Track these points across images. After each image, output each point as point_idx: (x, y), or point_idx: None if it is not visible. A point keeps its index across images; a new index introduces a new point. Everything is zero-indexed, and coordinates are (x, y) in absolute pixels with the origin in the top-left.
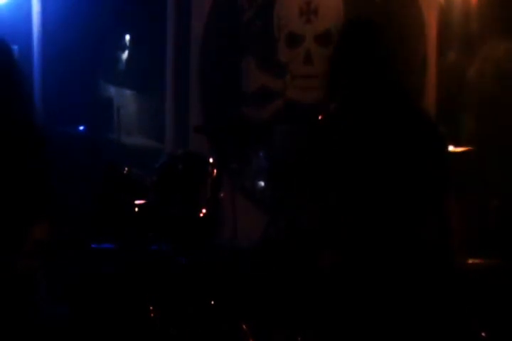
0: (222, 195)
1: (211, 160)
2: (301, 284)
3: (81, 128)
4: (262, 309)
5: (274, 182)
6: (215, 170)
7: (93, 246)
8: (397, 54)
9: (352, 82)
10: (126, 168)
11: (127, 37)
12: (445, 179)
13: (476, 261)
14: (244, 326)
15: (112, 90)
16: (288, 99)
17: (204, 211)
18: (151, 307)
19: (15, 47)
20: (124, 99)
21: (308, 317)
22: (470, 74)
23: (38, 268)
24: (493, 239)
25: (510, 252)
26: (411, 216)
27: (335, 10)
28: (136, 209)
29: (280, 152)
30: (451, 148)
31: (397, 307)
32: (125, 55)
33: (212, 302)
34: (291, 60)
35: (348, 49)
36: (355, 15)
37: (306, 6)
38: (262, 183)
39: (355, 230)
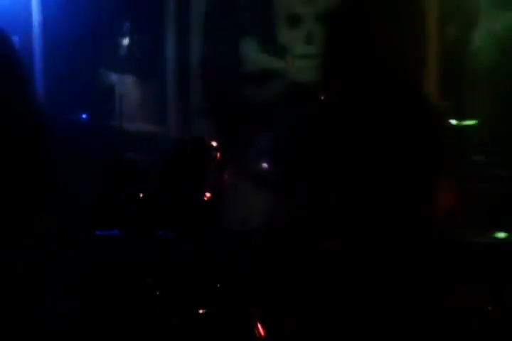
0: (226, 178)
1: (215, 143)
2: (304, 269)
3: (83, 116)
4: (271, 294)
5: (276, 162)
6: (218, 154)
7: (98, 233)
8: (398, 28)
9: (351, 61)
10: (129, 154)
11: (127, 23)
12: (442, 157)
13: (483, 232)
14: (252, 311)
15: (114, 77)
16: (289, 80)
17: (208, 195)
18: (157, 293)
19: (15, 38)
20: (126, 85)
21: (313, 303)
22: (472, 46)
23: (43, 258)
24: (496, 211)
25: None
26: (410, 195)
27: None
28: (141, 195)
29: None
30: (454, 121)
31: (399, 289)
32: (126, 41)
33: (219, 287)
34: (292, 40)
35: (346, 26)
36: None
37: None
38: (266, 165)
39: (355, 212)
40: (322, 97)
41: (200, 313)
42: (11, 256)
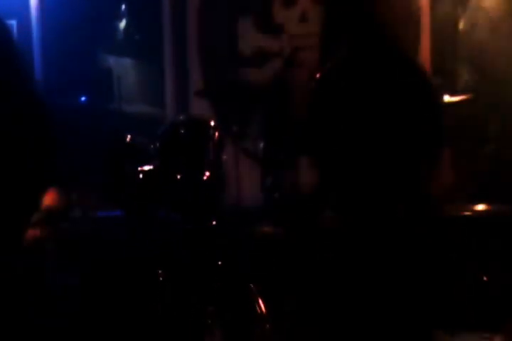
0: (224, 157)
1: (212, 123)
2: (304, 246)
3: (82, 98)
4: (271, 270)
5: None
6: (216, 133)
7: (100, 213)
8: (391, 10)
9: (347, 39)
10: (129, 136)
11: (124, 6)
12: (440, 131)
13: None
14: (252, 286)
15: (112, 60)
16: (285, 59)
17: (208, 174)
18: (160, 272)
19: (13, 22)
20: (124, 68)
21: (314, 275)
22: (462, 24)
23: (48, 236)
24: (488, 183)
25: (505, 195)
26: (408, 168)
27: None
28: (141, 175)
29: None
30: (446, 97)
31: (397, 264)
32: (123, 24)
33: (221, 264)
34: (287, 20)
35: (341, 7)
36: None
37: None
38: (262, 144)
39: (353, 187)
40: (318, 76)
41: (202, 290)
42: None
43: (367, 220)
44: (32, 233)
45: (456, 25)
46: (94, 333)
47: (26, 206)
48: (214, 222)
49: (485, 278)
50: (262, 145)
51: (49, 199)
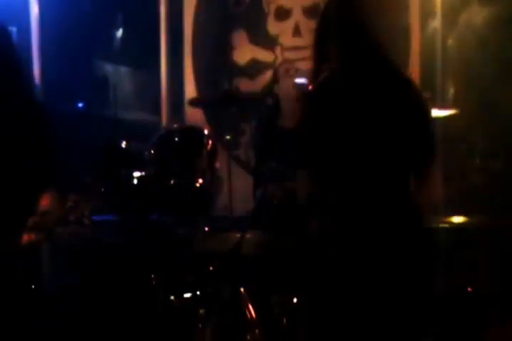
0: (217, 165)
1: (206, 132)
2: (293, 250)
3: (80, 105)
4: (260, 274)
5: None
6: (210, 142)
7: (94, 217)
8: (381, 24)
9: (339, 53)
10: (124, 142)
11: (121, 16)
12: (431, 144)
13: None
14: (242, 290)
15: (109, 68)
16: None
17: (200, 181)
18: (153, 275)
19: (13, 29)
20: (120, 76)
21: (301, 281)
22: (451, 41)
23: (44, 240)
24: (475, 196)
25: (493, 208)
26: (399, 180)
27: None
28: (135, 181)
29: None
30: (435, 111)
31: (383, 268)
32: (120, 33)
33: (212, 269)
34: (281, 33)
35: (333, 22)
36: None
37: None
38: (254, 152)
39: (343, 195)
40: (310, 86)
41: (194, 293)
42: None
43: (359, 227)
44: (28, 237)
45: (445, 41)
46: (90, 333)
47: (23, 208)
48: (206, 228)
49: (469, 289)
50: (253, 154)
51: (45, 202)
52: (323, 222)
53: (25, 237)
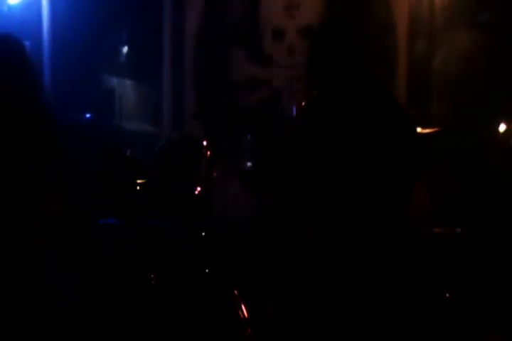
0: (215, 174)
1: (205, 143)
2: (286, 256)
3: (87, 115)
4: (253, 277)
5: (261, 162)
6: (208, 152)
7: (101, 221)
8: (371, 46)
9: (330, 72)
10: (128, 151)
11: (127, 33)
12: (417, 157)
13: (442, 229)
14: (236, 292)
15: (114, 81)
16: (273, 88)
17: (199, 189)
18: (152, 276)
19: (27, 43)
20: (125, 88)
21: (292, 285)
22: (436, 62)
23: (48, 244)
24: (457, 207)
25: (472, 220)
26: (386, 192)
27: (315, 6)
28: (138, 187)
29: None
30: (419, 129)
31: (372, 274)
32: (125, 49)
33: (208, 271)
34: (276, 52)
35: (325, 44)
36: (331, 14)
37: (289, 3)
38: (249, 163)
39: (335, 207)
40: (302, 103)
41: (190, 295)
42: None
43: (350, 234)
44: (34, 239)
45: (430, 61)
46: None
47: (29, 212)
48: (203, 232)
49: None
50: (248, 164)
51: (50, 207)
52: (317, 230)
53: (32, 239)
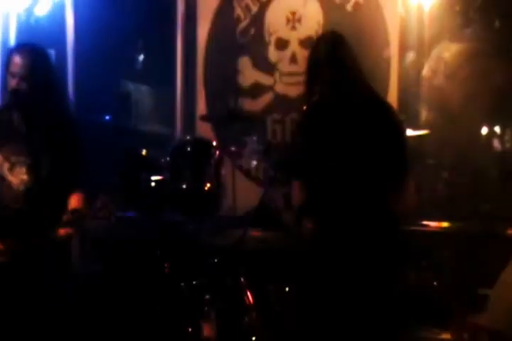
0: (223, 172)
1: (214, 143)
2: (288, 245)
3: (106, 117)
4: (258, 266)
5: (266, 162)
6: (217, 152)
7: (118, 214)
8: (364, 56)
9: (327, 80)
10: (143, 150)
11: (143, 42)
12: (405, 159)
13: (430, 223)
14: (242, 280)
15: (131, 86)
16: (277, 93)
17: (208, 185)
18: (166, 265)
19: (52, 51)
20: (141, 93)
21: (293, 273)
22: (425, 72)
23: (74, 234)
24: (443, 204)
25: (456, 215)
26: (379, 189)
27: (315, 19)
28: (153, 184)
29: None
30: (409, 132)
31: (363, 264)
32: (141, 57)
33: (216, 261)
34: (280, 60)
35: (322, 56)
36: (327, 29)
37: (292, 16)
38: (255, 162)
39: (331, 202)
40: (304, 108)
41: (200, 281)
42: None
43: (343, 229)
44: (62, 230)
45: (419, 71)
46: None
47: (58, 206)
48: (212, 225)
49: (434, 283)
50: (253, 163)
51: (75, 202)
52: (314, 223)
53: (60, 231)
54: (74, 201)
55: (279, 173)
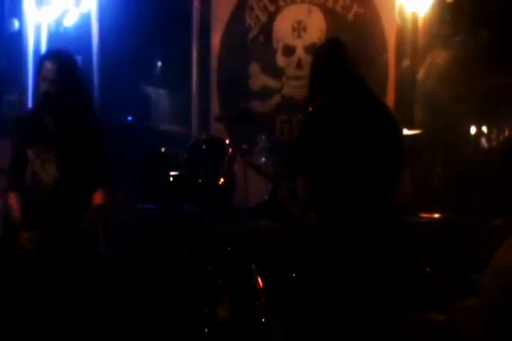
0: (235, 168)
1: (227, 142)
2: (295, 235)
3: (129, 118)
4: (267, 254)
5: (274, 158)
6: (230, 149)
7: (140, 206)
8: (364, 61)
9: (330, 84)
10: (163, 148)
11: (161, 50)
12: (402, 155)
13: (423, 214)
14: (253, 266)
15: (150, 89)
16: (284, 96)
17: (222, 180)
18: (184, 252)
19: (79, 58)
20: (160, 96)
21: (299, 260)
22: (419, 76)
23: (99, 224)
24: (436, 197)
25: (449, 207)
26: (380, 182)
27: (319, 27)
28: (171, 179)
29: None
30: (405, 131)
31: (365, 253)
32: (160, 63)
33: (230, 248)
34: (287, 66)
35: (325, 61)
36: (329, 37)
37: (298, 25)
38: (264, 159)
39: (334, 196)
40: (310, 109)
41: (214, 268)
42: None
43: (347, 225)
44: (88, 220)
45: (414, 76)
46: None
47: (85, 199)
48: (226, 216)
49: (428, 269)
50: (263, 160)
51: (100, 195)
52: (319, 214)
53: (86, 221)
54: (99, 194)
55: (286, 169)
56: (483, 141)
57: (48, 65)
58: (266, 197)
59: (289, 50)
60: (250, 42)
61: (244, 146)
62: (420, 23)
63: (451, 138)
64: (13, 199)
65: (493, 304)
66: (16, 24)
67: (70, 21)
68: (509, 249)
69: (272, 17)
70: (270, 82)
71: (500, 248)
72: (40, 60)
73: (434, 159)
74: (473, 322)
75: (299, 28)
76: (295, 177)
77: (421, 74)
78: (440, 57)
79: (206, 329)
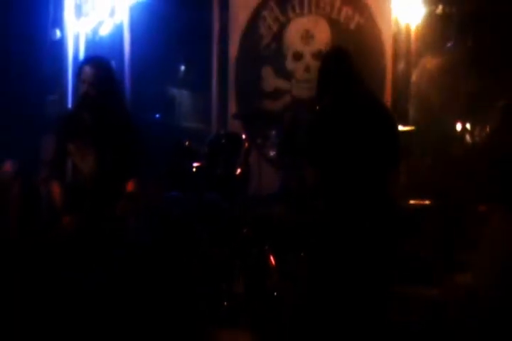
0: (250, 160)
1: (243, 136)
2: (304, 219)
3: (156, 116)
4: (280, 236)
5: (284, 151)
6: (246, 144)
7: (166, 194)
8: (364, 66)
9: (335, 87)
10: (187, 142)
11: (185, 55)
12: (398, 149)
13: (416, 201)
14: (267, 247)
15: (175, 91)
16: (294, 96)
17: (239, 171)
18: (205, 235)
19: (113, 62)
20: (183, 97)
21: (307, 241)
22: (413, 79)
23: (130, 210)
24: (427, 186)
25: (439, 194)
26: (379, 172)
27: (325, 36)
28: (194, 169)
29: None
30: (400, 127)
31: (365, 235)
32: (183, 67)
33: (246, 231)
34: (296, 70)
35: (330, 67)
36: (334, 45)
37: (306, 33)
38: (275, 152)
39: (339, 185)
40: (317, 109)
41: (232, 248)
42: None
43: (349, 210)
44: (121, 207)
45: (408, 79)
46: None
47: (118, 190)
48: (242, 203)
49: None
50: (274, 152)
51: (132, 185)
52: (325, 202)
53: (120, 207)
54: (131, 183)
55: (282, 156)
56: (469, 136)
57: (87, 69)
58: (278, 186)
59: (298, 56)
60: (263, 49)
61: (259, 141)
62: (413, 32)
63: (441, 133)
64: (55, 188)
65: (478, 281)
66: (58, 33)
67: (104, 31)
68: (497, 231)
69: (282, 27)
70: (281, 84)
71: (488, 230)
72: (80, 65)
73: (426, 152)
74: (467, 297)
75: (307, 37)
76: (302, 167)
77: (414, 77)
78: (431, 62)
79: (225, 303)
